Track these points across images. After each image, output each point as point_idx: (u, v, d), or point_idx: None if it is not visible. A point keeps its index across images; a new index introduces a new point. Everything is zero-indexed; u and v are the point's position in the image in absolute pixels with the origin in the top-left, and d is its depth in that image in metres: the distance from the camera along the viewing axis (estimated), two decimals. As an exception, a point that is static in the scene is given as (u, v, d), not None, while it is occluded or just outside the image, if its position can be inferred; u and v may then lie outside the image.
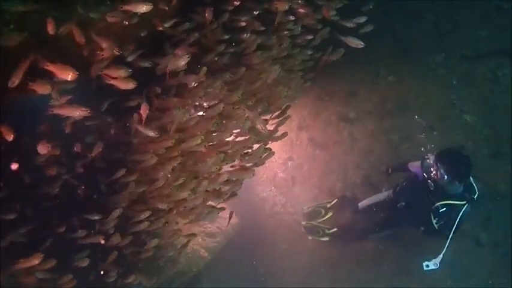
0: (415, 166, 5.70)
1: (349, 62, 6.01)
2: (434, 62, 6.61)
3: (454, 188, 5.30)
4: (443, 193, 5.34)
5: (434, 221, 5.41)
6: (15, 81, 3.34)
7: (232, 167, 4.52)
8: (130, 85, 3.65)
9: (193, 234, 5.12)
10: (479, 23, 6.46)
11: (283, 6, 4.60)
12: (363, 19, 5.20)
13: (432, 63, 6.62)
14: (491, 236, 6.37)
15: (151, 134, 3.96)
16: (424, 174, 5.46)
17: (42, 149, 3.83)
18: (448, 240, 5.29)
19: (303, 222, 6.78)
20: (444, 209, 5.34)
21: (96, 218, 4.23)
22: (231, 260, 6.78)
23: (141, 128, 4.00)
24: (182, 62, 3.89)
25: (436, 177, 5.24)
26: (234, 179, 4.51)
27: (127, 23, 3.54)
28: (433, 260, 5.35)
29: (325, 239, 6.55)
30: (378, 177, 6.72)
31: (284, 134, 4.93)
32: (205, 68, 4.18)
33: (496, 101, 6.44)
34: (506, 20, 6.37)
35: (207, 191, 4.43)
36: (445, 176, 5.14)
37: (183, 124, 4.15)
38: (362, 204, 6.31)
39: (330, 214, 6.56)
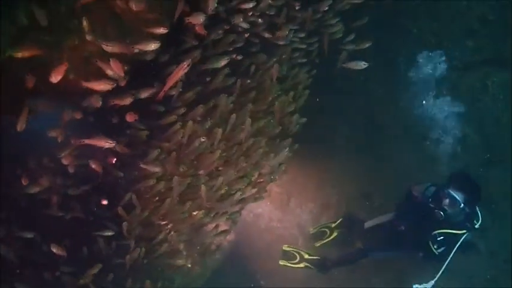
0: (418, 190, 5.55)
1: (337, 77, 6.10)
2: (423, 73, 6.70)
3: (457, 216, 5.21)
4: (443, 221, 5.22)
5: (434, 247, 5.32)
6: (22, 126, 3.40)
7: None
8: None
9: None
10: (465, 33, 6.59)
11: (284, 32, 4.72)
12: (351, 36, 5.29)
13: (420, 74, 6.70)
14: (488, 244, 6.42)
15: (156, 169, 4.01)
16: (431, 203, 5.28)
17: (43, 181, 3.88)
18: (443, 268, 5.22)
19: (284, 246, 6.63)
20: (442, 237, 5.26)
21: (109, 234, 4.18)
22: (228, 276, 6.74)
23: (145, 166, 4.03)
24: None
25: (446, 205, 5.13)
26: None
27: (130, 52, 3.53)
28: (424, 284, 5.29)
29: (299, 266, 6.32)
30: (373, 189, 6.79)
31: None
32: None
33: (486, 110, 6.56)
34: (491, 30, 6.52)
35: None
36: (461, 204, 5.05)
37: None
38: (367, 224, 6.16)
39: (335, 234, 6.45)
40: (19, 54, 3.13)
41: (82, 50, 3.51)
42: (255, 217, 7.37)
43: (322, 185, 7.12)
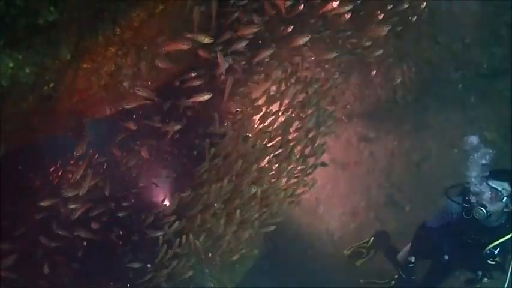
0: (438, 216, 5.02)
1: (366, 83, 6.19)
2: (451, 80, 6.70)
3: (498, 216, 4.55)
4: (490, 231, 4.64)
5: (493, 262, 4.76)
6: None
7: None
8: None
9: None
10: (491, 41, 6.54)
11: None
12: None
13: (448, 82, 6.70)
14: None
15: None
16: (466, 205, 4.58)
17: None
18: (509, 275, 4.66)
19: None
20: (498, 248, 4.65)
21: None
22: (258, 282, 6.91)
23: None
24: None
25: (487, 200, 4.41)
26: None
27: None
28: None
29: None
30: (400, 196, 6.85)
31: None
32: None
33: (515, 117, 6.48)
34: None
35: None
36: (504, 197, 4.36)
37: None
38: (402, 256, 5.62)
39: (372, 253, 6.02)
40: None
41: (118, 74, 3.82)
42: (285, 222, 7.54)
43: (350, 191, 7.23)
